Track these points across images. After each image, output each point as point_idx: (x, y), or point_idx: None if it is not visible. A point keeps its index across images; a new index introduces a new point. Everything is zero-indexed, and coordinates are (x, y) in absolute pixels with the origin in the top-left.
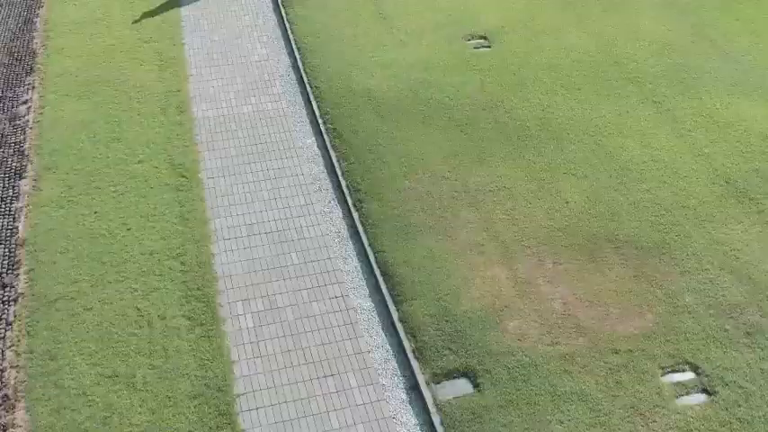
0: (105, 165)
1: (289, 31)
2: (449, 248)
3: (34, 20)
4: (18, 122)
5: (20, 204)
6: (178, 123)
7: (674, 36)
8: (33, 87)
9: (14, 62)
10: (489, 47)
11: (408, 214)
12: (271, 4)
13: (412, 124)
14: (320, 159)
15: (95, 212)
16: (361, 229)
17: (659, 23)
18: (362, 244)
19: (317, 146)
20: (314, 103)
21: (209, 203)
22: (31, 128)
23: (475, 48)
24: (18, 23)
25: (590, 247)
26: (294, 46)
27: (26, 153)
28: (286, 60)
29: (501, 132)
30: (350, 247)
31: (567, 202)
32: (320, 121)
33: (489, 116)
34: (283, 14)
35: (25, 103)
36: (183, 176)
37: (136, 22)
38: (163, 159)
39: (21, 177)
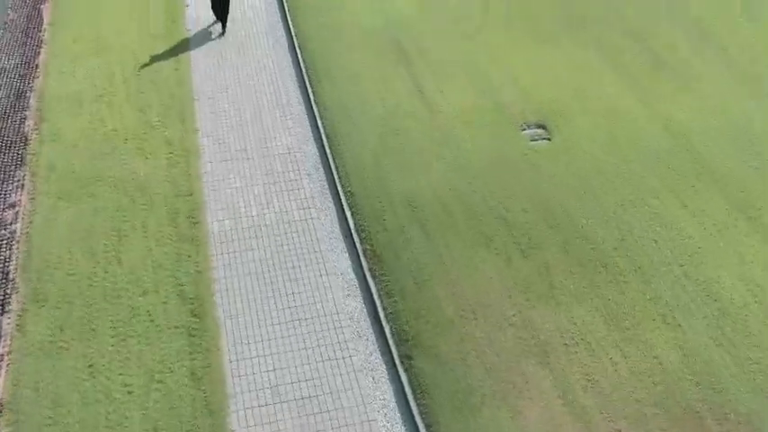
0: (103, 296)
1: (316, 114)
2: (520, 428)
3: (27, 93)
4: (3, 233)
5: (0, 350)
6: (189, 239)
7: (764, 124)
8: (23, 186)
9: (3, 150)
10: (549, 138)
11: (467, 375)
12: (295, 78)
13: (465, 245)
14: (357, 292)
15: (90, 366)
16: (411, 396)
17: (743, 106)
18: (414, 419)
19: (353, 271)
20: (348, 214)
21: (226, 356)
22: (18, 241)
23: (532, 140)
24: (9, 97)
25: (692, 426)
26: (323, 132)
27: (11, 277)
28: (314, 152)
29: (572, 258)
30: (397, 418)
31: (659, 362)
32: (356, 238)
33: (557, 236)
34: (309, 92)
35: (13, 206)
36: (196, 315)
37: (142, 95)
38: (172, 290)
39: (3, 311)
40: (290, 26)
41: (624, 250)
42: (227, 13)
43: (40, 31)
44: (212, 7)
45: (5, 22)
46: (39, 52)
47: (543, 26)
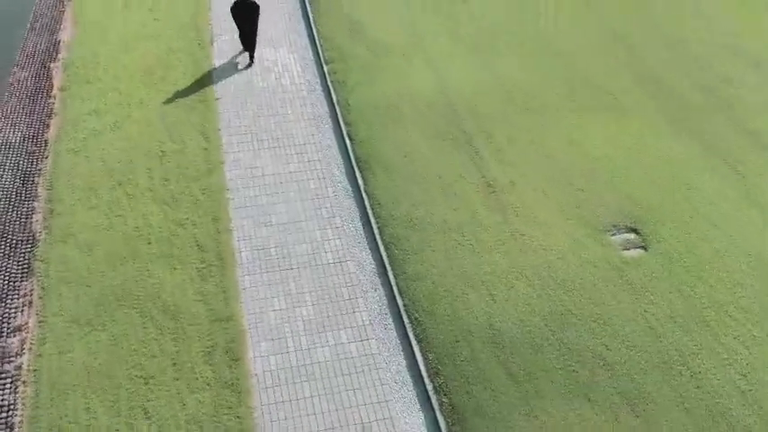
0: None
1: (370, 215)
2: None
3: (35, 178)
4: (8, 370)
5: None
6: (229, 384)
7: None
8: (30, 303)
9: (8, 252)
10: (644, 247)
11: None
12: (342, 167)
13: (561, 397)
14: None
15: None
16: None
17: None
18: None
19: (427, 429)
20: (416, 349)
21: None
22: (24, 382)
23: (625, 249)
24: (15, 182)
25: None
26: (379, 239)
27: None
28: (369, 261)
29: (691, 419)
30: None
31: None
32: (428, 385)
33: (670, 388)
34: (360, 185)
35: (18, 331)
36: None
37: (166, 183)
38: None
39: None
40: (336, 108)
41: (754, 405)
42: (255, 42)
43: (50, 97)
44: (240, 36)
45: (11, 83)
46: (48, 123)
47: (618, 95)
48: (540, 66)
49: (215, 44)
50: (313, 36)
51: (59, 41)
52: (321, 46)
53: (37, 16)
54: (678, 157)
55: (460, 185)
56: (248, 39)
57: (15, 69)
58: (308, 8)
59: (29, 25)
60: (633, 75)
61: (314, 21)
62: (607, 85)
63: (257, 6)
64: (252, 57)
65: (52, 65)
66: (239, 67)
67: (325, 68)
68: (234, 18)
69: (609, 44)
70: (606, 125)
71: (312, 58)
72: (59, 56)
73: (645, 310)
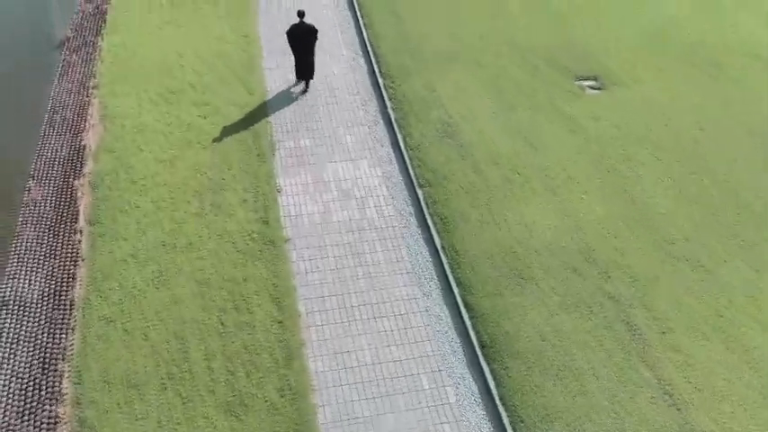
0: None
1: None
2: None
3: (58, 364)
4: None
5: None
6: None
7: None
8: None
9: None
10: None
11: None
12: (462, 354)
13: None
14: None
15: None
16: None
17: None
18: None
19: None
20: None
21: None
22: None
23: None
24: (32, 372)
25: None
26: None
27: None
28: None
29: None
30: None
31: None
32: None
33: None
34: (493, 391)
35: None
36: None
37: (231, 377)
38: None
39: None
40: (442, 258)
41: None
42: (313, 69)
43: (74, 232)
44: (297, 63)
45: (26, 205)
46: (73, 274)
47: None
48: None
49: (277, 154)
50: (398, 144)
51: (84, 146)
52: (411, 161)
53: (56, 107)
54: None
55: (633, 398)
56: (305, 67)
57: (31, 184)
58: (388, 105)
59: (46, 118)
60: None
61: (397, 123)
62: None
63: (315, 30)
64: (308, 85)
65: (77, 182)
66: (311, 188)
67: (420, 194)
68: (290, 44)
69: None
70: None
71: (400, 176)
72: (85, 169)
73: None
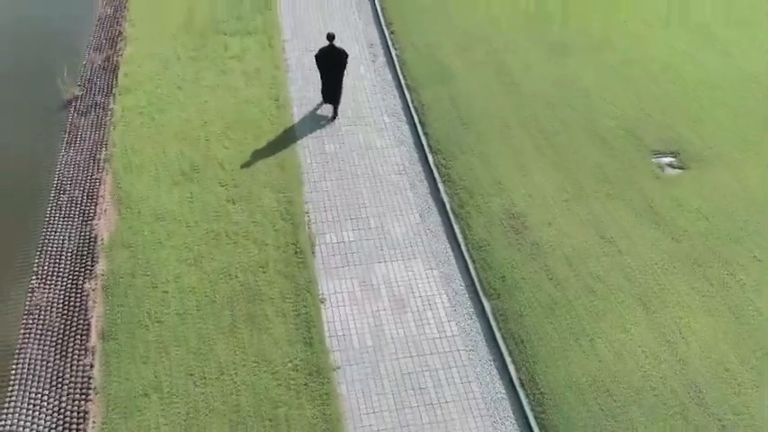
0: None
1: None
2: None
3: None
4: None
5: None
6: None
7: None
8: None
9: None
10: None
11: None
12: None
13: None
14: None
15: None
16: None
17: None
18: None
19: None
20: None
21: None
22: None
23: None
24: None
25: None
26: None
27: None
28: None
29: None
30: None
31: None
32: None
33: None
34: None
35: None
36: None
37: None
38: None
39: None
40: (520, 395)
41: None
42: (340, 94)
43: (86, 352)
44: (324, 87)
45: (28, 314)
46: (84, 412)
47: None
48: None
49: (317, 251)
50: (456, 238)
51: (95, 237)
52: (473, 262)
53: (62, 185)
54: None
55: None
56: (333, 91)
57: (34, 284)
58: (441, 189)
59: (51, 198)
60: None
61: (453, 212)
62: None
63: (346, 54)
64: (336, 111)
65: (87, 284)
66: (358, 295)
67: (487, 306)
68: (319, 67)
69: None
70: None
71: (461, 280)
72: (97, 267)
73: None
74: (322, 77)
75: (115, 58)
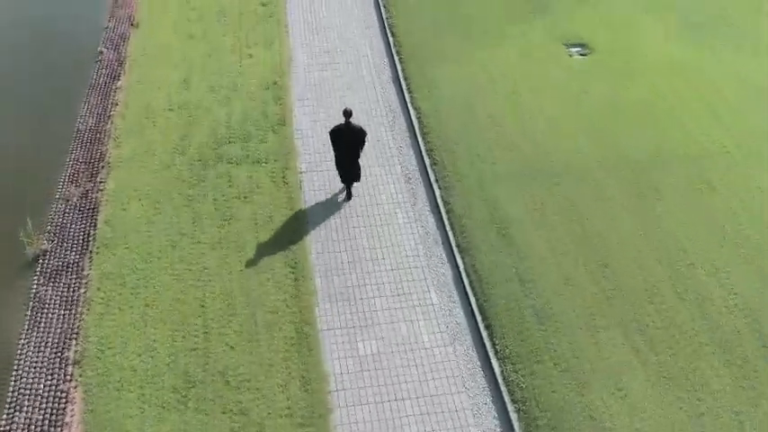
0: None
1: None
2: None
3: None
4: None
5: None
6: None
7: None
8: None
9: None
10: None
11: None
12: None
13: None
14: None
15: None
16: None
17: None
18: None
19: None
20: None
21: None
22: None
23: None
24: None
25: None
26: None
27: None
28: None
29: None
30: None
31: None
32: None
33: None
34: None
35: None
36: None
37: None
38: None
39: None
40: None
41: None
42: (357, 174)
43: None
44: (338, 166)
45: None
46: None
47: None
48: None
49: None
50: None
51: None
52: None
53: (21, 391)
54: None
55: None
56: (349, 171)
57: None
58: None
59: (4, 415)
60: None
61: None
62: None
63: (364, 133)
64: (350, 191)
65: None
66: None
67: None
68: (333, 145)
69: None
70: None
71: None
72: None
73: None
74: (336, 156)
75: (94, 195)
